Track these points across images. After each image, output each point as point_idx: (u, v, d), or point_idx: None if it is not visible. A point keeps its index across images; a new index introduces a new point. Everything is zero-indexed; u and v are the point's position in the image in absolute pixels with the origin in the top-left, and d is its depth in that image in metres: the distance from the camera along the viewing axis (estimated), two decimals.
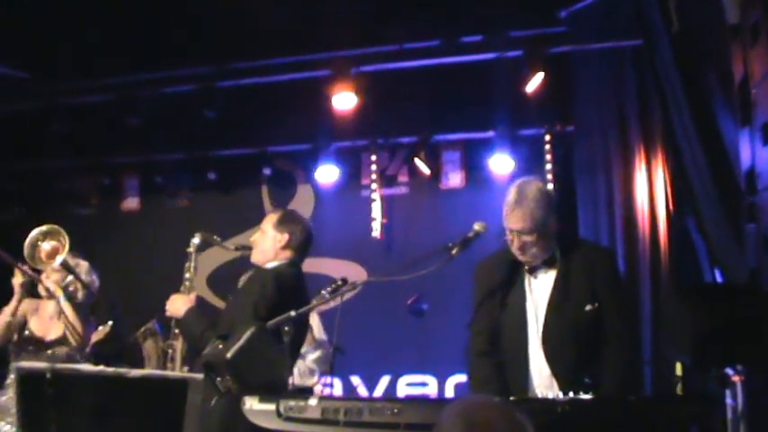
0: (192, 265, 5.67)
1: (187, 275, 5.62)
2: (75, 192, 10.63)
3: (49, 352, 5.99)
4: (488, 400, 2.63)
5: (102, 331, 6.91)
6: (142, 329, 6.80)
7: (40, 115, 9.71)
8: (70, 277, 6.22)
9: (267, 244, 5.22)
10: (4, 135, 9.81)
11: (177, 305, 5.15)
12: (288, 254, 5.20)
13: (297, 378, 7.03)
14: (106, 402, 3.67)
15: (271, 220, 5.27)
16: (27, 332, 6.06)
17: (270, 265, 5.17)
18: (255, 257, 5.30)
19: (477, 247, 4.58)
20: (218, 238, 5.81)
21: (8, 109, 9.71)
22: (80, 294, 6.23)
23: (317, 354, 7.16)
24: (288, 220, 5.26)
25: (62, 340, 6.06)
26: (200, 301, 5.40)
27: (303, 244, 5.26)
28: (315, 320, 7.27)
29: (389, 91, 9.13)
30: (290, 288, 5.05)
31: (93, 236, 10.05)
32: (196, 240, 5.73)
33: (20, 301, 6.05)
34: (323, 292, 4.82)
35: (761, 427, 4.56)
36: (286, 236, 5.18)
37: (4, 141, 9.89)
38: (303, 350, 6.96)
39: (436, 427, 2.49)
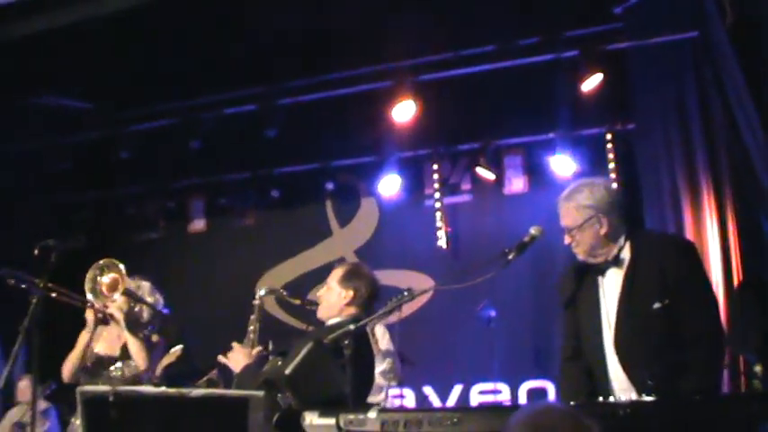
0: (256, 317, 5.61)
1: (251, 328, 5.56)
2: (143, 217, 10.80)
3: (114, 368, 6.08)
4: (555, 406, 2.62)
5: (173, 354, 6.97)
6: (205, 379, 6.83)
7: (105, 144, 9.92)
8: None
9: (332, 300, 5.13)
10: (70, 165, 10.02)
11: (237, 358, 5.13)
12: (352, 311, 5.08)
13: None
14: (169, 422, 3.70)
15: (336, 275, 5.18)
16: (94, 357, 6.15)
17: (330, 323, 5.08)
18: (321, 314, 5.21)
19: (545, 251, 4.55)
20: (284, 292, 5.75)
21: (73, 140, 9.92)
22: (145, 314, 6.30)
23: (383, 365, 7.10)
24: (353, 276, 5.15)
25: (128, 356, 6.14)
26: (261, 359, 5.39)
27: (368, 300, 5.13)
28: (380, 330, 7.23)
29: (448, 99, 9.12)
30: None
31: (162, 259, 10.23)
32: (262, 293, 5.69)
33: (92, 336, 6.14)
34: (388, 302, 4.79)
35: None
36: (351, 292, 5.08)
37: (70, 172, 10.10)
38: None
39: None
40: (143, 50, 8.51)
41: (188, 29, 8.23)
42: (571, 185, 4.55)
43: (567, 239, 4.45)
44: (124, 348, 6.15)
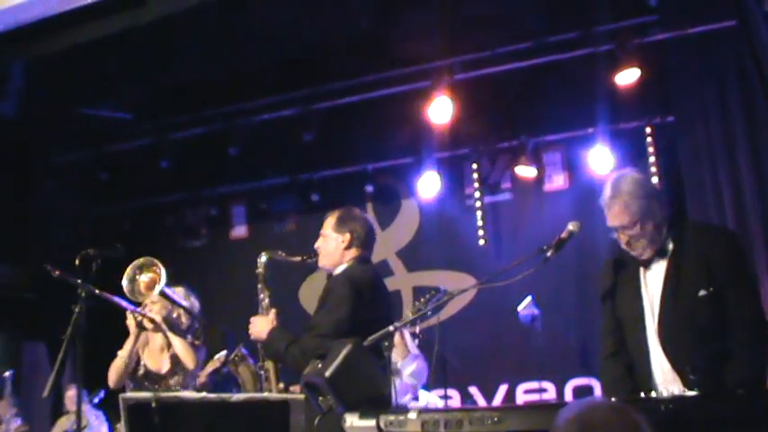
0: (264, 285, 5.63)
1: (261, 296, 5.60)
2: (185, 225, 10.88)
3: (165, 385, 6.13)
4: (603, 402, 2.62)
5: (216, 360, 7.02)
6: (232, 357, 6.85)
7: (145, 153, 10.02)
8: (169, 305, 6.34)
9: (331, 247, 5.22)
10: (112, 176, 10.14)
11: (259, 327, 5.21)
12: (354, 252, 5.20)
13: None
14: (210, 427, 3.73)
15: (329, 223, 5.27)
16: (142, 369, 6.20)
17: (340, 269, 5.18)
18: (323, 263, 5.30)
19: (587, 247, 4.51)
20: (283, 253, 5.76)
21: (114, 150, 10.03)
22: (184, 320, 6.35)
23: (412, 366, 7.10)
24: (346, 219, 5.24)
25: (176, 370, 6.19)
26: (284, 315, 5.42)
27: (367, 238, 5.25)
28: (406, 333, 7.24)
29: (486, 97, 9.12)
30: (367, 285, 5.06)
31: (205, 267, 10.30)
32: (263, 259, 5.70)
33: (135, 342, 6.18)
34: (416, 303, 4.81)
35: None
36: (347, 235, 5.18)
37: (112, 182, 10.22)
38: (399, 364, 6.96)
39: None
40: (180, 59, 8.59)
41: (223, 36, 8.29)
42: (613, 180, 4.47)
43: (621, 239, 4.39)
44: (172, 359, 6.20)
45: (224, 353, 7.00)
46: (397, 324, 4.33)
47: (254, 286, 10.29)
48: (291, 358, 4.88)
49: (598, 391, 8.65)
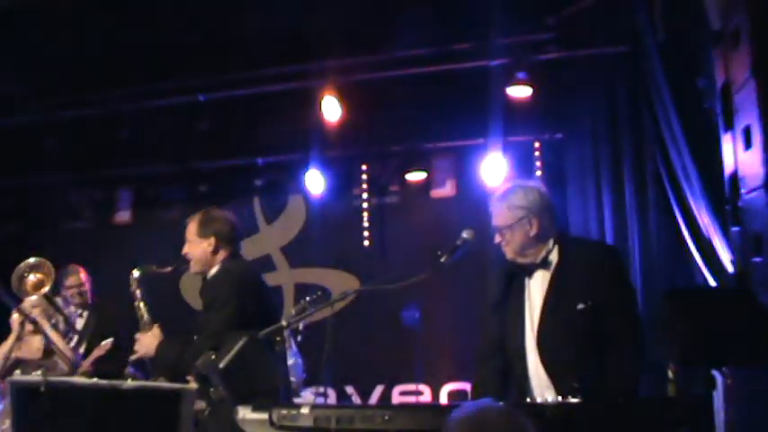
0: (140, 300, 5.56)
1: (140, 313, 5.52)
2: (69, 206, 10.66)
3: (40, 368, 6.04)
4: (494, 405, 2.71)
5: (103, 347, 6.94)
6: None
7: (33, 130, 9.75)
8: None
9: (198, 252, 5.25)
10: None
11: (146, 344, 5.17)
12: (223, 253, 5.23)
13: None
14: (101, 414, 3.68)
15: (192, 229, 5.30)
16: (14, 360, 6.12)
17: (214, 270, 5.20)
18: (195, 268, 5.31)
19: (470, 254, 4.64)
20: (154, 266, 5.70)
21: (1, 124, 9.75)
22: (61, 326, 6.31)
23: (289, 362, 7.11)
24: (208, 222, 5.28)
25: (50, 356, 6.12)
26: (167, 309, 5.40)
27: (232, 235, 5.29)
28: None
29: (380, 100, 9.17)
30: (247, 279, 5.14)
31: (87, 249, 10.07)
32: (135, 275, 5.63)
33: (18, 339, 6.10)
34: (302, 301, 4.86)
35: (747, 428, 4.59)
36: (212, 238, 5.21)
37: None
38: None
39: None
40: (76, 36, 8.40)
41: (124, 16, 8.16)
42: (504, 187, 4.74)
43: (497, 238, 4.60)
44: (46, 352, 6.12)
45: (110, 340, 6.90)
46: (291, 320, 4.39)
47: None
48: (186, 364, 4.82)
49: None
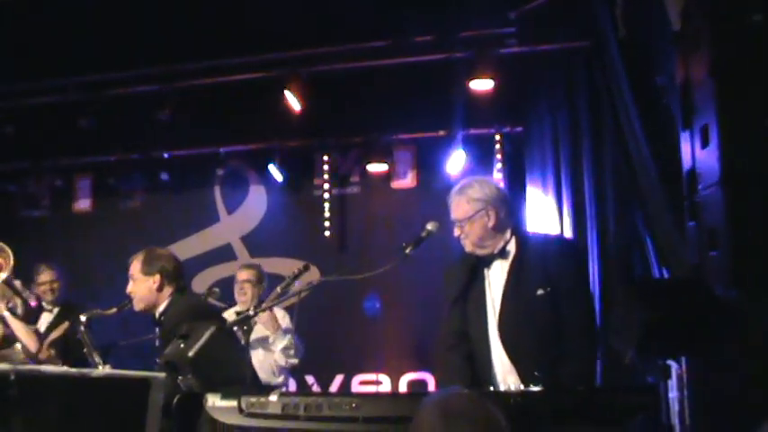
0: (88, 345, 5.45)
1: (91, 359, 5.40)
2: (27, 193, 10.57)
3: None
4: (462, 393, 2.79)
5: (61, 328, 6.95)
6: None
7: None
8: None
9: (143, 291, 5.20)
10: None
11: None
12: (169, 289, 5.20)
13: (264, 375, 7.02)
14: (70, 402, 3.71)
15: (136, 267, 5.23)
16: None
17: (162, 307, 5.17)
18: (139, 307, 5.26)
19: (436, 247, 4.76)
20: (99, 310, 5.63)
21: None
22: (20, 310, 6.30)
23: (284, 342, 7.11)
24: (152, 260, 5.22)
25: (9, 342, 6.13)
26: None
27: (176, 273, 5.24)
28: (280, 313, 7.26)
29: (341, 91, 9.21)
30: (202, 310, 5.15)
31: (46, 237, 10.03)
32: (83, 319, 5.52)
33: None
34: (278, 289, 4.90)
35: (702, 416, 4.73)
36: (157, 276, 5.17)
37: None
38: (270, 340, 7.00)
39: (414, 421, 2.65)
40: (34, 21, 8.34)
41: (82, 3, 8.12)
42: (462, 181, 4.87)
43: (456, 231, 4.72)
44: (5, 340, 6.12)
45: (66, 324, 6.91)
46: (258, 308, 4.44)
47: (98, 260, 10.14)
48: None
49: (432, 385, 8.92)
